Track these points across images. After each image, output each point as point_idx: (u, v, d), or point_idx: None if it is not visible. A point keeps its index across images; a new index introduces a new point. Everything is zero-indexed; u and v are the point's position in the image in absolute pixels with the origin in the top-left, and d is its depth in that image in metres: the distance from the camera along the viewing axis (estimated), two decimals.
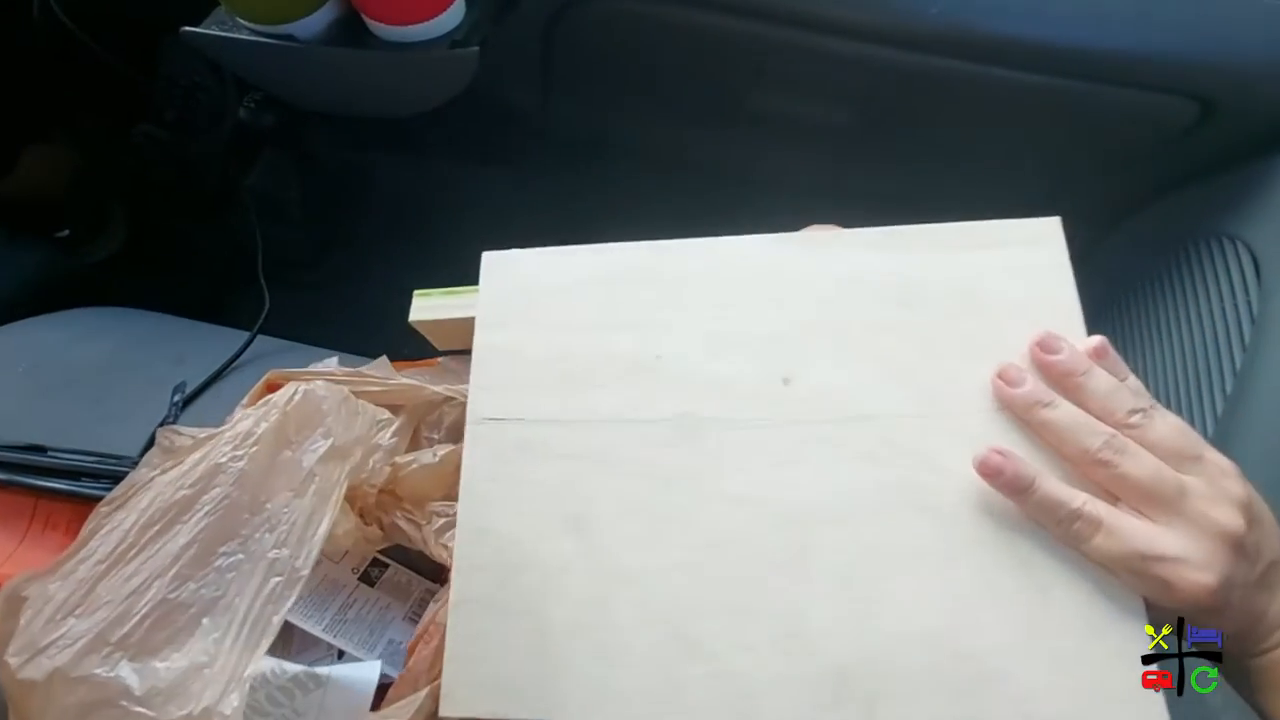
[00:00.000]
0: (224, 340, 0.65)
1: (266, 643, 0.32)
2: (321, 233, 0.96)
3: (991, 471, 0.32)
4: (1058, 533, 0.32)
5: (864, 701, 0.32)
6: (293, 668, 0.38)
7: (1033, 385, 0.33)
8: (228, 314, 0.75)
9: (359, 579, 0.47)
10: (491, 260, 0.42)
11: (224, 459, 0.36)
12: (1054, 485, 0.31)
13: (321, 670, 0.39)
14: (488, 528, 0.36)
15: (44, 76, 0.85)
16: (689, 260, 0.41)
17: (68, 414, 0.58)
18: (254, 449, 0.37)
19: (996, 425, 0.35)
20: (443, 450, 0.43)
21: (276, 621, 0.32)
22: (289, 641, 0.44)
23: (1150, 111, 0.63)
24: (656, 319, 0.39)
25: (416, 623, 0.43)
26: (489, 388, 0.39)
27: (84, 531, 0.38)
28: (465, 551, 0.36)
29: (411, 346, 0.49)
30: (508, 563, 0.35)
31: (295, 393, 0.39)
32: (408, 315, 0.45)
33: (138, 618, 0.31)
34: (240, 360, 0.63)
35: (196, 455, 0.37)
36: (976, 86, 0.63)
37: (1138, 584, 0.31)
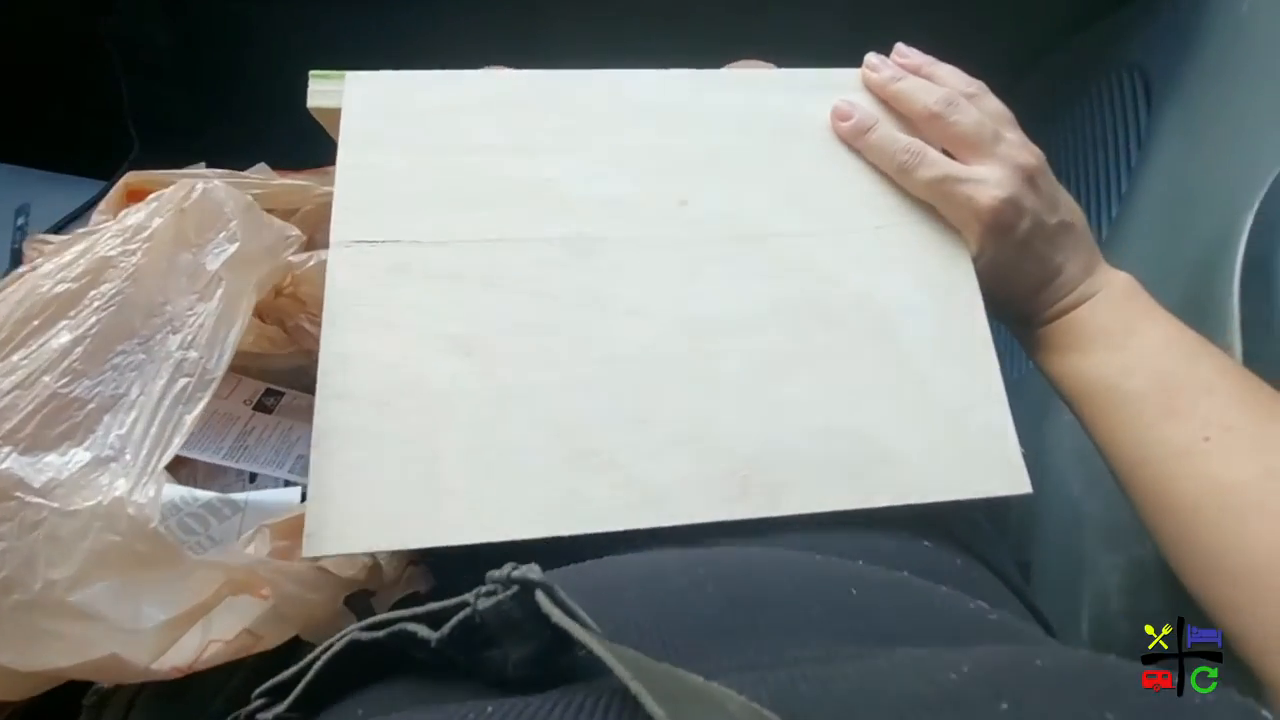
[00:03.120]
0: (80, 190, 0.58)
1: (179, 441, 0.29)
2: (202, 92, 0.85)
3: (842, 115, 0.40)
4: (892, 167, 0.39)
5: (769, 492, 0.33)
6: (204, 494, 0.36)
7: (892, 70, 0.41)
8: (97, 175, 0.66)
9: (254, 409, 0.45)
10: (358, 79, 0.39)
11: (113, 252, 0.32)
12: (889, 129, 0.40)
13: (237, 496, 0.37)
14: (358, 353, 0.34)
15: None
16: (585, 89, 0.41)
17: None
18: (148, 245, 0.33)
19: (880, 239, 0.39)
20: None
21: (189, 421, 0.30)
22: (194, 474, 0.41)
23: None
24: (549, 144, 0.39)
25: None
26: (356, 209, 0.36)
27: None
28: (330, 380, 0.33)
29: None
30: (384, 389, 0.33)
31: (192, 189, 0.35)
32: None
33: (25, 412, 0.28)
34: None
35: (77, 248, 0.33)
36: None
37: (951, 206, 0.38)
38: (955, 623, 0.27)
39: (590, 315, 0.36)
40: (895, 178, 0.40)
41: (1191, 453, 0.34)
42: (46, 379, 0.29)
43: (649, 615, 0.25)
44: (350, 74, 0.39)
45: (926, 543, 0.35)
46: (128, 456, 0.28)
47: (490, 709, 0.20)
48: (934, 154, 0.38)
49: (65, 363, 0.29)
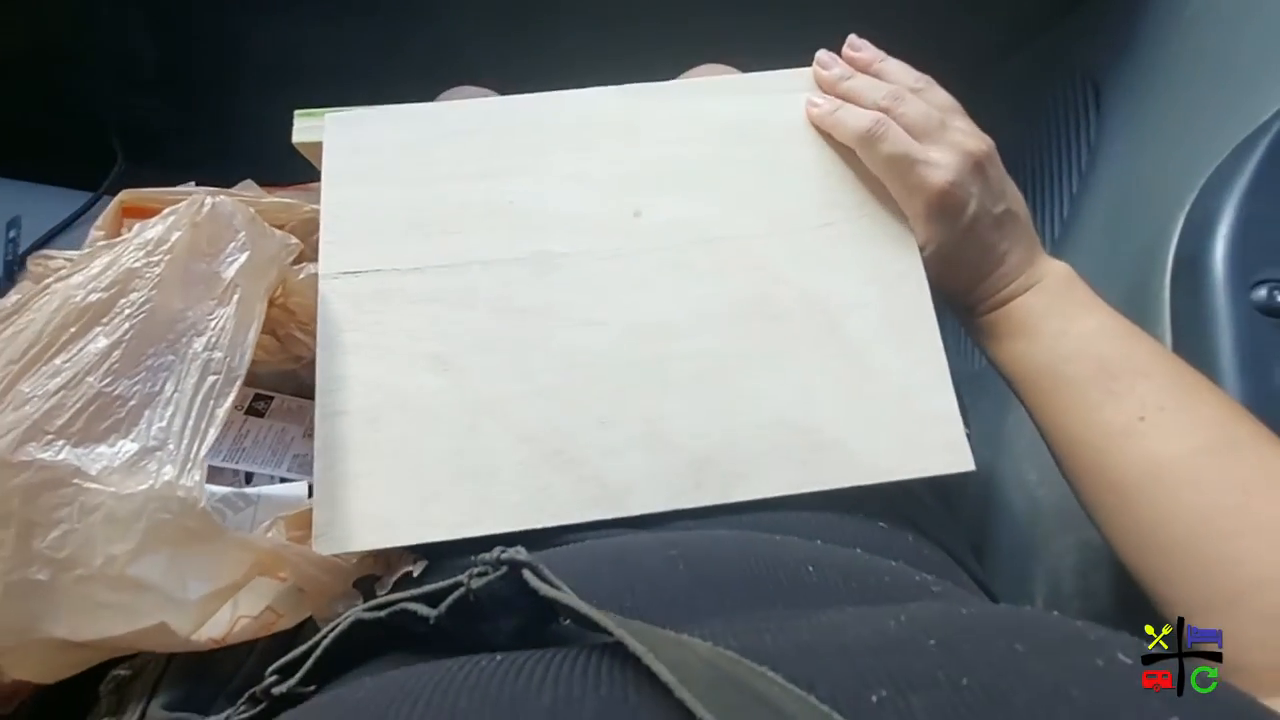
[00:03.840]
0: (64, 202, 0.59)
1: (214, 433, 0.33)
2: (186, 102, 0.86)
3: (813, 103, 0.43)
4: (858, 137, 0.40)
5: (722, 483, 0.36)
6: (220, 489, 0.39)
7: (842, 68, 0.43)
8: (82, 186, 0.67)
9: (246, 413, 0.48)
10: (336, 119, 0.42)
11: (138, 264, 0.36)
12: (855, 108, 0.41)
13: (250, 490, 0.40)
14: (350, 374, 0.37)
15: None
16: (540, 112, 0.43)
17: None
18: (168, 257, 0.36)
19: (827, 236, 0.41)
20: None
21: (220, 415, 0.33)
22: None
23: None
24: (509, 166, 0.42)
25: None
26: (341, 242, 0.40)
27: None
28: (328, 400, 0.37)
29: None
30: (374, 406, 0.37)
31: (203, 204, 0.39)
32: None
33: (74, 409, 0.31)
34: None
35: (102, 260, 0.36)
36: None
37: (903, 185, 0.40)
38: (900, 593, 0.29)
39: (552, 327, 0.39)
40: (859, 149, 0.41)
41: (1129, 432, 0.35)
42: (90, 379, 0.32)
43: (624, 592, 0.27)
44: (329, 114, 0.42)
45: (881, 524, 0.37)
46: (170, 446, 0.31)
47: (499, 658, 0.22)
48: (898, 130, 0.39)
49: (105, 364, 0.32)
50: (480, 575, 0.24)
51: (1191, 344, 0.45)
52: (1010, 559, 0.61)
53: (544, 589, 0.23)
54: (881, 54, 0.43)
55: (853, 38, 0.44)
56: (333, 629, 0.27)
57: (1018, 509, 0.61)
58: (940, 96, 0.42)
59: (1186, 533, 0.33)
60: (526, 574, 0.23)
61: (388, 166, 0.41)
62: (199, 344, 0.35)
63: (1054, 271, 0.41)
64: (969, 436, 0.38)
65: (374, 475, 0.36)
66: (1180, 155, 0.53)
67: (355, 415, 0.36)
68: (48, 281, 0.36)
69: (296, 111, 0.43)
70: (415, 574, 0.42)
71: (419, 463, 0.36)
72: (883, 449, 0.37)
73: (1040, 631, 0.22)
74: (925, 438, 0.38)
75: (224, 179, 0.50)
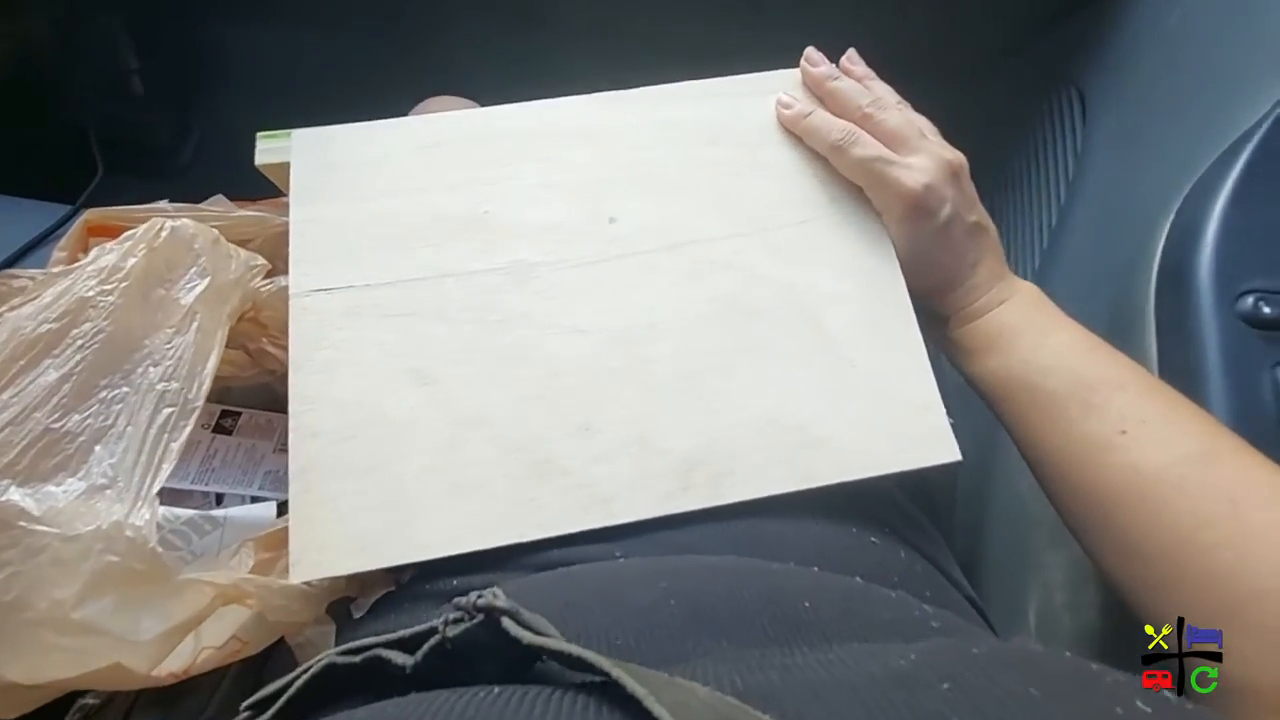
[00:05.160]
0: (39, 214, 0.59)
1: (168, 468, 0.32)
2: (172, 114, 0.85)
3: (784, 104, 0.43)
4: (827, 145, 0.41)
5: (711, 483, 0.36)
6: (185, 512, 0.38)
7: (828, 67, 0.44)
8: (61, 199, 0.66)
9: (213, 431, 0.47)
10: (302, 137, 0.42)
11: (90, 293, 0.35)
12: (827, 115, 0.42)
13: (217, 513, 0.39)
14: (324, 394, 0.36)
15: None
16: (510, 122, 0.43)
17: None
18: (124, 284, 0.36)
19: (803, 233, 0.41)
20: None
21: (175, 448, 0.32)
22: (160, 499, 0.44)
23: None
24: (482, 177, 0.41)
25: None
26: (311, 260, 0.39)
27: None
28: (302, 421, 0.35)
29: None
30: (350, 424, 0.36)
31: (161, 228, 0.38)
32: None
33: (20, 447, 0.30)
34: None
35: (55, 289, 0.35)
36: None
37: (878, 188, 0.41)
38: (901, 630, 0.28)
39: (533, 336, 0.38)
40: (830, 156, 0.42)
41: (1111, 446, 0.35)
42: (38, 415, 0.31)
43: (614, 628, 0.27)
44: (295, 132, 0.42)
45: (874, 539, 0.36)
46: (120, 483, 0.30)
47: (496, 690, 0.21)
48: (868, 137, 0.40)
49: (54, 399, 0.32)
50: (456, 622, 0.23)
51: (1177, 354, 0.44)
52: (1002, 571, 0.60)
53: (526, 637, 0.21)
54: (871, 73, 0.44)
55: (851, 52, 0.45)
56: (305, 670, 0.27)
57: (1009, 522, 0.60)
58: (917, 116, 0.43)
59: (1175, 544, 0.33)
60: (506, 622, 0.22)
61: (357, 182, 0.41)
62: (154, 374, 0.34)
63: (1023, 289, 0.41)
64: (953, 426, 0.38)
65: (352, 495, 0.34)
66: (1164, 165, 0.52)
67: (329, 435, 0.35)
68: (0, 311, 0.35)
69: (259, 134, 0.42)
70: (405, 579, 0.41)
71: (399, 480, 0.35)
72: (872, 442, 0.37)
73: (1056, 675, 0.21)
74: (909, 429, 0.38)
75: (203, 192, 0.49)
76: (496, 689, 0.21)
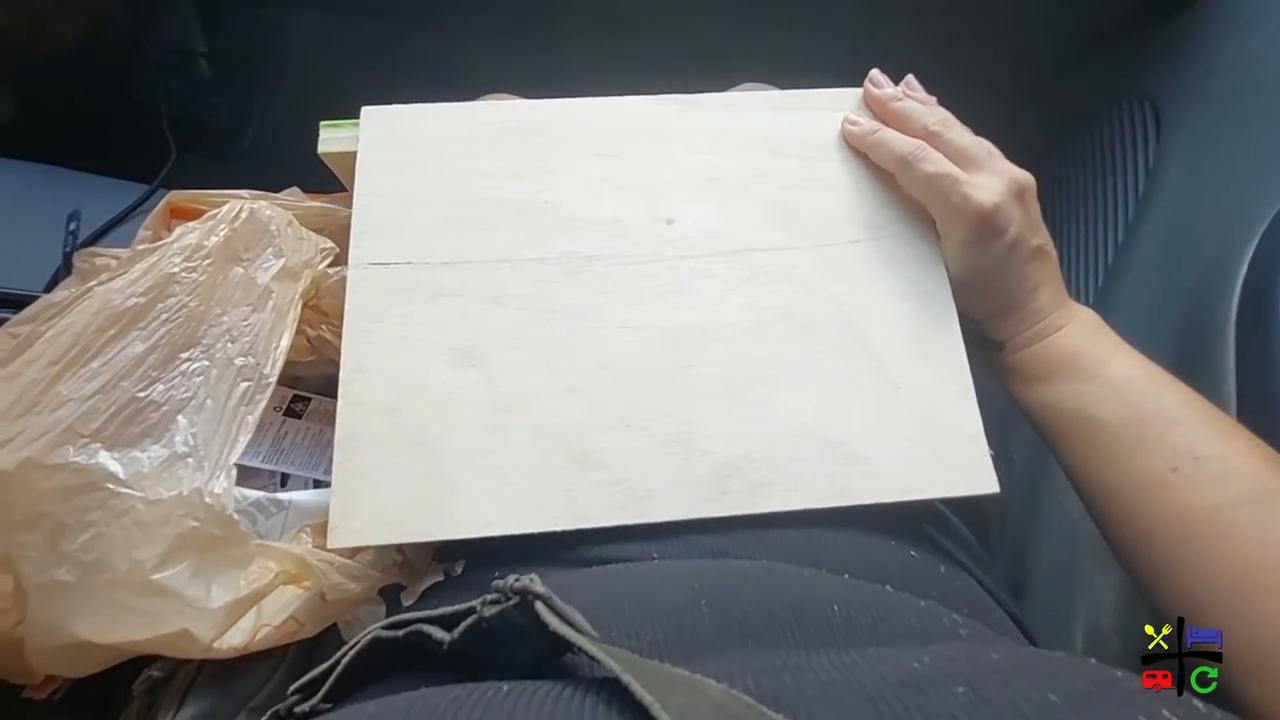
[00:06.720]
0: (120, 194, 0.61)
1: (244, 439, 0.33)
2: (237, 96, 0.88)
3: (851, 121, 0.43)
4: (895, 161, 0.41)
5: (748, 491, 0.36)
6: (253, 493, 0.39)
7: (894, 89, 0.43)
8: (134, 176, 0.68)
9: (284, 414, 0.48)
10: (372, 113, 0.42)
11: (176, 269, 0.36)
12: (895, 132, 0.41)
13: (283, 495, 0.40)
14: (374, 365, 0.36)
15: None
16: (577, 117, 0.43)
17: None
18: (207, 261, 0.37)
19: (857, 252, 0.41)
20: None
21: (251, 421, 0.33)
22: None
23: None
24: (545, 168, 0.42)
25: None
26: (372, 233, 0.39)
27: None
28: (350, 389, 0.36)
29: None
30: (397, 397, 0.36)
31: (241, 209, 0.39)
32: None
33: (109, 413, 0.31)
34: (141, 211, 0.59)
35: (143, 264, 0.36)
36: None
37: (944, 205, 0.40)
38: (928, 637, 0.28)
39: (583, 328, 0.38)
40: (897, 171, 0.41)
41: (1162, 483, 0.34)
42: (125, 384, 0.32)
43: (644, 626, 0.27)
44: (365, 109, 0.42)
45: (913, 552, 0.36)
46: (200, 452, 0.31)
47: (505, 688, 0.22)
48: (938, 154, 0.40)
49: (140, 369, 0.33)
50: (493, 603, 0.23)
51: (1257, 380, 0.43)
52: (1050, 593, 0.59)
53: (554, 623, 0.22)
54: (932, 98, 0.44)
55: (910, 78, 0.44)
56: (353, 646, 0.27)
57: (1059, 543, 0.59)
58: (982, 139, 0.42)
59: (1217, 589, 0.32)
60: (539, 606, 0.22)
61: (423, 160, 0.41)
62: (233, 349, 0.35)
63: (1081, 316, 0.40)
64: (993, 458, 0.38)
65: (392, 468, 0.35)
66: (1247, 187, 0.51)
67: (376, 406, 0.36)
68: (90, 285, 0.37)
69: (323, 122, 0.43)
70: (457, 572, 0.41)
71: (439, 457, 0.35)
72: (910, 466, 0.37)
73: (1075, 681, 0.21)
74: (949, 456, 0.38)
75: (264, 175, 0.50)
76: (505, 686, 0.22)
